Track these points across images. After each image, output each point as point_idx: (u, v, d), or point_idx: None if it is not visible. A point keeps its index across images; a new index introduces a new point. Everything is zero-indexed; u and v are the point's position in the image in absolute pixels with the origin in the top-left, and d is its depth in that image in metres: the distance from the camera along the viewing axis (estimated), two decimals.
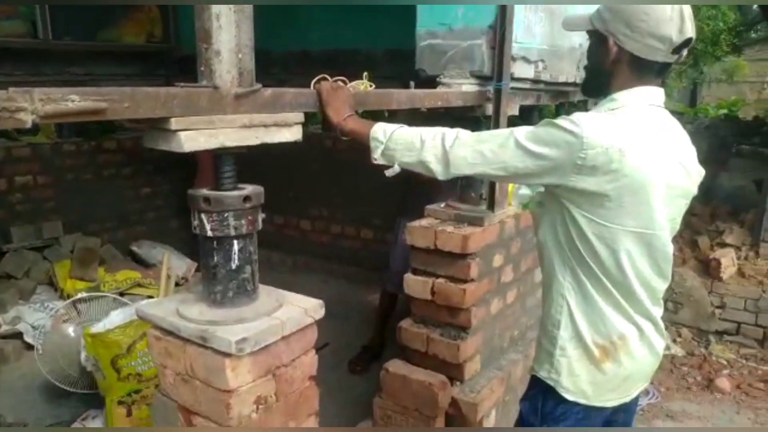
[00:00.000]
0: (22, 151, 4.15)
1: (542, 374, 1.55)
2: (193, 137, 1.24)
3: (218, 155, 1.39)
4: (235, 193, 1.39)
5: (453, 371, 2.34)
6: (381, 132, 1.52)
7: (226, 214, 1.36)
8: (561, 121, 1.36)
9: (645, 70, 1.42)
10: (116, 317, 2.57)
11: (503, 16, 2.17)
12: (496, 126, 2.26)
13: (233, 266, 1.40)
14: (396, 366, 2.41)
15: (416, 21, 2.37)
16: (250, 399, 1.34)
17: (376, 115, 1.82)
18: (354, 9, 4.32)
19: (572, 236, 1.44)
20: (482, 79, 2.30)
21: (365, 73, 1.81)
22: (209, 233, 1.37)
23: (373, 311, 4.08)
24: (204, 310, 1.40)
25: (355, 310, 4.06)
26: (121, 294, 3.83)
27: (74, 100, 1.02)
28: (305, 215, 5.13)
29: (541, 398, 1.56)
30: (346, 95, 1.60)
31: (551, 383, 1.53)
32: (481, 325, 2.44)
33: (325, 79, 1.65)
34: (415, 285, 2.41)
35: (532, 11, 2.43)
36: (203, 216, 1.36)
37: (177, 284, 4.30)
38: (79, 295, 3.13)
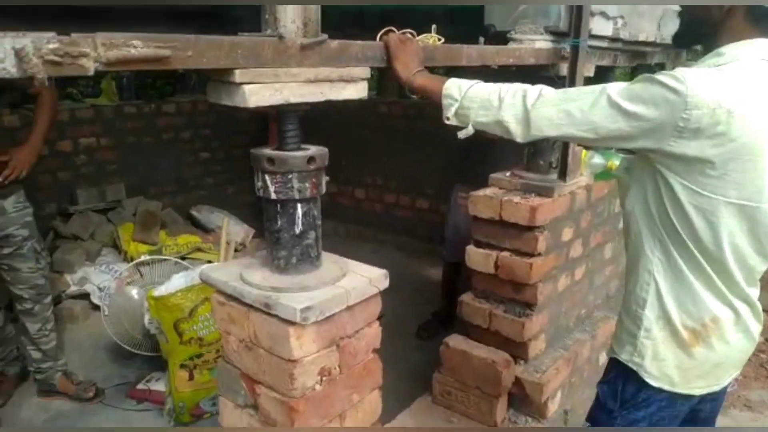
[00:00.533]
0: (85, 113, 4.22)
1: (624, 357, 1.43)
2: (258, 91, 1.16)
3: (281, 112, 1.31)
4: (300, 153, 1.31)
5: (516, 349, 2.24)
6: (455, 88, 1.39)
7: (290, 176, 1.29)
8: (662, 76, 1.20)
9: (763, 20, 1.24)
10: (178, 281, 2.59)
11: None
12: (572, 86, 2.10)
13: (297, 231, 1.33)
14: (456, 341, 2.32)
15: None
16: (314, 370, 1.28)
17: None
18: None
19: (665, 207, 1.29)
20: (557, 35, 2.13)
21: (434, 26, 1.68)
22: (273, 196, 1.30)
23: (425, 282, 4.01)
24: (267, 276, 1.34)
25: (407, 281, 3.98)
26: (182, 258, 3.89)
27: (137, 47, 0.96)
28: (359, 183, 5.07)
29: (621, 382, 1.44)
30: (415, 48, 1.49)
31: (633, 367, 1.41)
32: (547, 302, 2.31)
33: (392, 31, 1.54)
34: (477, 258, 2.30)
35: None
36: (267, 177, 1.29)
37: (235, 250, 4.35)
38: (142, 258, 3.18)
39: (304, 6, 1.25)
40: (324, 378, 1.31)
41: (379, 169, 4.92)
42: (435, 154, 4.31)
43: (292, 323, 1.23)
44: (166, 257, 3.40)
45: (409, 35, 1.51)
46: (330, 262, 1.44)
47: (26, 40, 0.84)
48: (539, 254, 2.17)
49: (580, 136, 1.29)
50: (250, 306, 1.31)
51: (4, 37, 0.82)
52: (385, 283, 1.42)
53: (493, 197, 2.21)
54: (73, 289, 3.72)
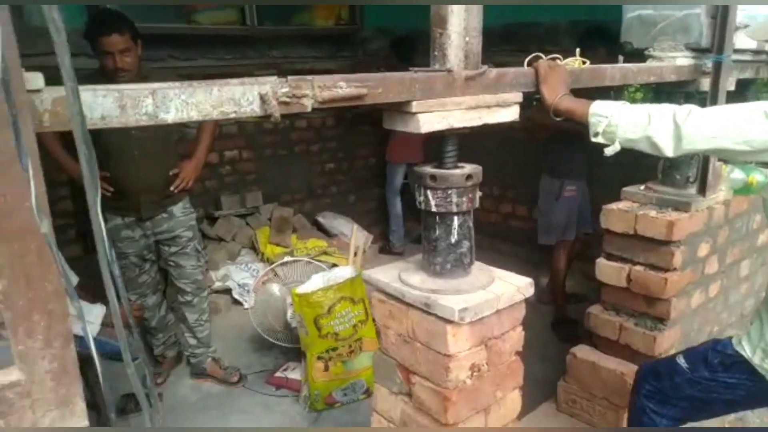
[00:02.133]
0: (230, 128, 4.68)
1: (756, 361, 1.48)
2: (429, 119, 1.34)
3: (443, 135, 1.48)
4: (458, 171, 1.47)
5: None
6: (603, 107, 1.48)
7: (449, 191, 1.45)
8: None
9: None
10: (317, 280, 2.85)
11: None
12: (714, 102, 2.10)
13: (453, 240, 1.49)
14: (584, 352, 2.38)
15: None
16: (466, 365, 1.43)
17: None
18: None
19: None
20: (698, 51, 2.13)
21: (578, 50, 1.78)
22: (433, 208, 1.47)
23: (544, 290, 4.04)
24: (425, 279, 1.51)
25: None
26: (308, 262, 4.22)
27: (342, 87, 1.16)
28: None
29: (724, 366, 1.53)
30: (562, 74, 1.60)
31: (762, 372, 1.46)
32: (680, 318, 2.30)
33: (539, 57, 1.66)
34: (609, 271, 2.34)
35: None
36: (429, 192, 1.47)
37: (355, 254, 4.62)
38: (285, 259, 3.51)
39: (465, 41, 1.41)
40: (474, 373, 1.46)
41: (496, 180, 4.99)
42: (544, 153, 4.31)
43: (449, 322, 1.39)
44: (299, 258, 3.72)
45: (556, 61, 1.63)
46: (478, 268, 1.59)
47: (267, 87, 1.07)
48: (675, 269, 2.18)
49: (733, 149, 1.33)
50: (410, 305, 1.49)
51: (253, 85, 1.05)
52: (530, 291, 1.55)
53: (628, 211, 2.25)
54: (217, 284, 4.15)
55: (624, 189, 2.43)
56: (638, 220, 2.22)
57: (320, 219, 5.09)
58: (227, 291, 4.15)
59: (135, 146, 2.68)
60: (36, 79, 0.81)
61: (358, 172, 5.49)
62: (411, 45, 4.68)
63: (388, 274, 1.59)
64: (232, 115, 1.03)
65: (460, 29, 1.39)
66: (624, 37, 2.24)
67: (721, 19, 1.98)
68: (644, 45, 2.19)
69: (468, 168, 1.50)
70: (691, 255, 2.26)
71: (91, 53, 2.74)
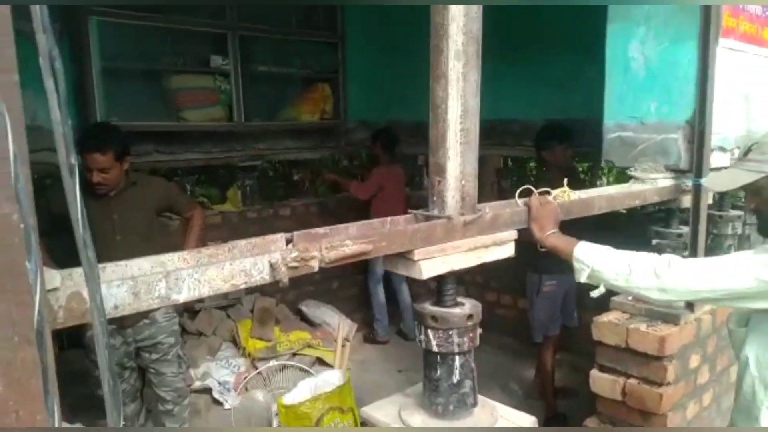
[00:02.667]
0: (214, 218, 4.67)
1: None
2: (430, 265, 1.36)
3: (443, 276, 1.49)
4: (459, 311, 1.47)
5: None
6: (584, 254, 1.53)
7: (450, 332, 1.45)
8: None
9: None
10: (305, 388, 2.78)
11: (702, 111, 2.11)
12: (696, 220, 2.17)
13: (455, 380, 1.48)
14: None
15: (603, 114, 2.38)
16: None
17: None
18: (511, 81, 4.44)
19: None
20: (677, 172, 2.23)
21: (565, 179, 1.85)
22: (435, 348, 1.46)
23: (532, 385, 3.99)
24: (426, 420, 1.48)
25: (516, 381, 4.00)
26: (294, 354, 4.13)
27: (348, 245, 1.18)
28: (460, 281, 5.16)
29: None
30: (553, 211, 1.65)
31: None
32: None
33: (530, 190, 1.71)
34: (603, 383, 2.32)
35: (729, 99, 2.33)
36: (430, 332, 1.46)
37: (342, 345, 4.54)
38: (268, 365, 3.42)
39: (462, 184, 1.45)
40: None
41: (478, 269, 5.02)
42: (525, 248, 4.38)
43: None
44: (285, 361, 3.64)
45: (546, 197, 1.68)
46: (481, 407, 1.56)
47: (277, 255, 1.07)
48: (669, 383, 2.17)
49: (716, 299, 1.40)
50: None
51: (263, 255, 1.06)
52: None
53: (619, 324, 2.27)
54: (196, 384, 4.00)
55: (613, 299, 2.45)
56: (630, 333, 2.23)
57: (303, 308, 5.01)
58: (207, 390, 3.99)
59: (118, 243, 2.63)
60: (53, 279, 0.80)
61: None
62: (393, 136, 4.83)
63: (387, 412, 1.56)
64: (242, 286, 1.03)
65: (456, 174, 1.44)
66: (606, 156, 2.34)
67: (698, 146, 2.09)
68: (625, 164, 2.28)
69: (468, 306, 1.50)
70: (683, 367, 2.27)
71: (54, 147, 2.77)
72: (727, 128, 2.34)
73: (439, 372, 1.48)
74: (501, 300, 4.99)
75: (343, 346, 3.70)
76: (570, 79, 4.09)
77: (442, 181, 1.42)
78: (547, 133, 3.52)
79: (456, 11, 1.38)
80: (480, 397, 1.57)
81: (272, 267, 1.06)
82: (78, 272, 0.87)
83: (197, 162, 4.59)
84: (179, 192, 3.35)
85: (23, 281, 0.69)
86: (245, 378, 3.44)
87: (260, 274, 1.05)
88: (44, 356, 0.71)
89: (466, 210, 1.46)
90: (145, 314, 2.83)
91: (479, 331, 1.52)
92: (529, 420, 1.52)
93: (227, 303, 4.58)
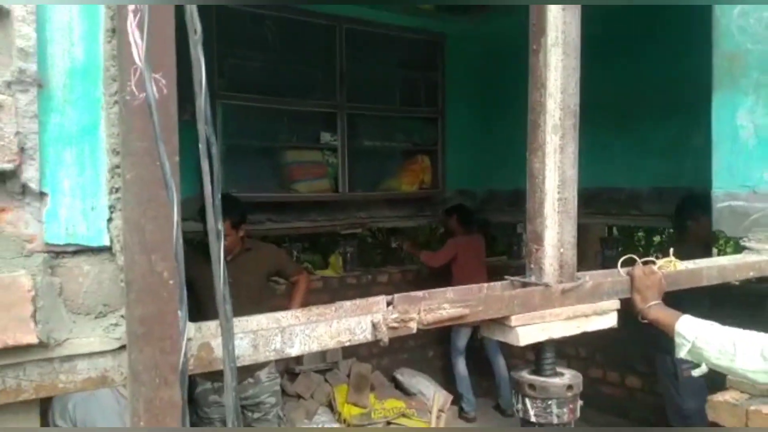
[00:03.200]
0: (316, 283, 4.87)
1: None
2: (528, 332, 1.37)
3: (542, 343, 1.49)
4: (559, 381, 1.45)
5: None
6: (687, 329, 1.46)
7: (549, 402, 1.43)
8: None
9: None
10: None
11: None
12: None
13: None
14: None
15: (712, 182, 2.30)
16: None
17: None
18: (617, 147, 4.38)
19: None
20: None
21: (671, 249, 1.79)
22: (533, 419, 1.44)
23: None
24: None
25: None
26: (388, 423, 4.11)
27: (446, 308, 1.23)
28: (561, 355, 4.94)
29: None
30: (657, 281, 1.60)
31: None
32: None
33: (633, 260, 1.68)
34: None
35: None
36: (527, 401, 1.45)
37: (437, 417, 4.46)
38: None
39: (560, 252, 1.47)
40: None
41: (582, 340, 4.80)
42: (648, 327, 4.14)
43: None
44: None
45: (651, 266, 1.64)
46: None
47: (379, 316, 1.15)
48: None
49: None
50: None
51: (366, 315, 1.14)
52: None
53: (737, 404, 2.09)
54: None
55: (729, 377, 2.27)
56: (749, 416, 2.04)
57: (398, 376, 5.00)
58: None
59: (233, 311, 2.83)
60: (189, 330, 0.92)
61: (438, 328, 5.46)
62: (467, 211, 4.90)
63: None
64: (347, 343, 1.11)
65: (554, 242, 1.46)
66: (716, 226, 2.24)
67: None
68: (737, 234, 2.17)
69: (568, 377, 1.48)
70: None
71: (197, 218, 3.10)
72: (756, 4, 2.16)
73: None
74: (607, 377, 4.70)
75: (438, 417, 3.64)
76: (677, 147, 3.97)
77: (540, 249, 1.45)
78: (693, 203, 3.37)
79: (554, 88, 1.45)
80: None
81: (374, 326, 1.13)
82: (206, 326, 1.00)
83: (304, 230, 4.86)
84: (288, 258, 3.58)
85: (166, 330, 0.81)
86: None
87: (363, 333, 1.13)
88: (183, 396, 0.81)
89: (565, 278, 1.47)
90: (251, 373, 2.99)
91: (580, 403, 1.48)
92: None
93: (325, 367, 4.69)
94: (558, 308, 1.43)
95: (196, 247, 3.08)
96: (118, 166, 0.82)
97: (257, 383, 3.01)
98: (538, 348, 1.51)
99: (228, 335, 0.77)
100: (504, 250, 5.81)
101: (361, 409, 4.26)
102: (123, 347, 0.83)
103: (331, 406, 4.46)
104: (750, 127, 2.23)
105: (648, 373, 4.40)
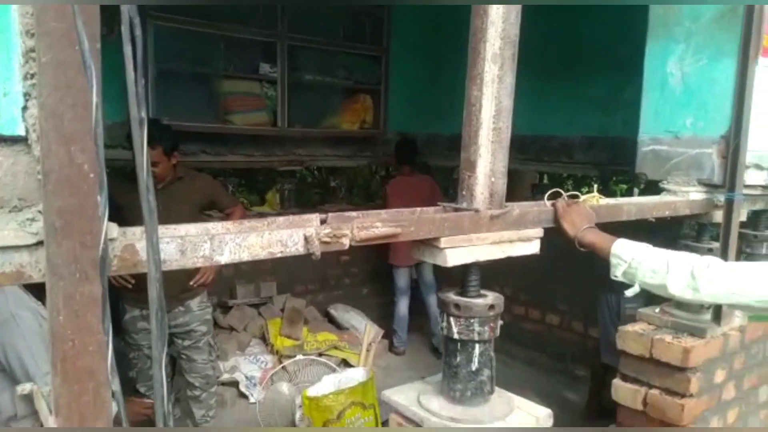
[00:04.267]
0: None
1: None
2: (455, 254, 1.42)
3: (468, 266, 1.55)
4: (481, 301, 1.53)
5: None
6: (623, 250, 1.54)
7: (472, 320, 1.50)
8: None
9: None
10: (329, 383, 2.85)
11: (738, 126, 2.12)
12: (726, 235, 2.17)
13: (473, 368, 1.53)
14: None
15: (638, 127, 2.41)
16: None
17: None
18: (553, 97, 4.48)
19: None
20: (710, 186, 2.24)
21: (595, 186, 1.88)
22: (455, 336, 1.51)
23: (561, 403, 3.96)
24: (444, 405, 1.53)
25: (543, 395, 3.97)
26: (320, 354, 4.21)
27: (378, 227, 1.25)
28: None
29: None
30: (582, 209, 1.68)
31: None
32: None
33: (559, 194, 1.76)
34: (624, 392, 2.32)
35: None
36: (452, 320, 1.52)
37: (367, 350, 4.60)
38: (294, 359, 3.51)
39: (491, 181, 1.51)
40: None
41: (508, 279, 5.03)
42: (568, 269, 4.36)
43: None
44: (312, 357, 3.72)
45: (574, 200, 1.72)
46: (497, 396, 1.60)
47: (311, 229, 1.15)
48: (691, 395, 2.16)
49: (753, 306, 1.38)
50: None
51: (299, 228, 1.14)
52: (549, 422, 1.55)
53: (644, 334, 2.27)
54: (225, 376, 4.12)
55: (640, 310, 2.46)
56: (654, 344, 2.23)
57: (332, 311, 5.10)
58: (234, 383, 4.11)
59: None
60: (112, 230, 0.89)
61: (371, 265, 5.56)
62: (412, 147, 4.92)
63: (407, 396, 1.61)
64: (278, 255, 1.12)
65: (486, 171, 1.50)
66: (639, 168, 2.36)
67: (732, 160, 2.10)
68: (658, 177, 2.30)
69: (491, 298, 1.56)
70: (707, 381, 2.25)
71: (125, 145, 2.98)
72: (765, 145, 2.34)
73: (458, 359, 1.53)
74: (529, 314, 4.97)
75: (368, 349, 3.76)
76: (610, 100, 4.11)
77: (472, 176, 1.48)
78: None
79: (495, 15, 1.45)
80: (498, 389, 1.61)
81: (306, 240, 1.14)
82: (132, 231, 0.97)
83: (240, 164, 4.75)
84: (223, 189, 3.50)
85: (86, 224, 0.79)
86: (272, 371, 3.53)
87: (295, 246, 1.13)
88: (104, 291, 0.80)
89: (494, 206, 1.52)
90: (182, 302, 2.97)
91: (500, 323, 1.57)
92: (544, 412, 1.55)
93: (259, 301, 4.72)
94: (485, 233, 1.48)
95: (126, 176, 2.96)
96: (32, 50, 0.76)
97: (188, 311, 3.00)
98: (464, 271, 1.57)
99: (151, 228, 0.75)
100: (442, 194, 5.92)
101: (294, 342, 4.33)
102: (40, 243, 0.80)
103: (264, 339, 4.51)
104: (678, 75, 2.33)
105: (566, 312, 4.69)
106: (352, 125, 5.03)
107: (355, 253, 5.47)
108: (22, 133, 0.79)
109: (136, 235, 0.94)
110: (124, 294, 2.86)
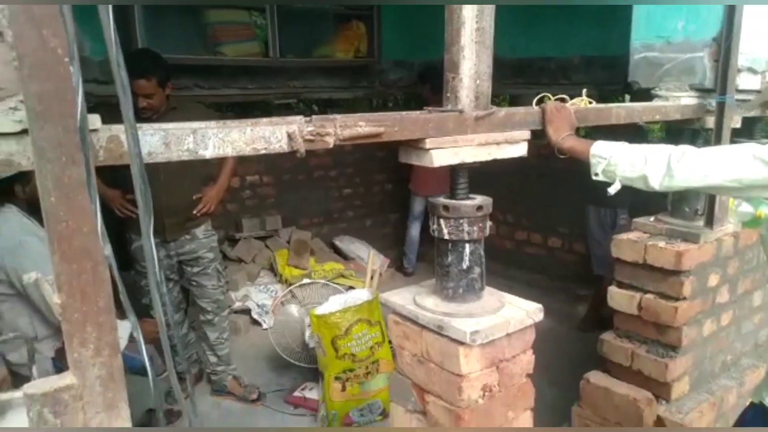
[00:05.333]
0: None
1: None
2: (441, 155, 1.44)
3: (455, 169, 1.58)
4: (470, 202, 1.56)
5: (658, 389, 2.30)
6: (602, 149, 1.56)
7: (461, 221, 1.54)
8: None
9: None
10: (335, 302, 2.94)
11: (730, 28, 2.08)
12: (718, 140, 2.17)
13: (464, 266, 1.58)
14: (597, 378, 2.42)
15: (630, 34, 2.36)
16: (478, 385, 1.51)
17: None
18: (546, 17, 4.36)
19: None
20: (702, 91, 2.22)
21: (584, 90, 1.88)
22: (446, 236, 1.56)
23: (562, 319, 4.07)
24: (438, 303, 1.60)
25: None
26: (324, 284, 4.32)
27: (362, 126, 1.27)
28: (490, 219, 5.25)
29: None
30: (567, 115, 1.69)
31: None
32: (692, 346, 2.35)
33: (547, 98, 1.76)
34: (620, 299, 2.40)
35: (762, 21, 2.28)
36: (442, 221, 1.56)
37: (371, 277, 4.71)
38: (301, 282, 3.61)
39: (476, 83, 1.51)
40: (486, 394, 1.53)
41: (510, 207, 5.07)
42: (568, 193, 4.40)
43: (461, 343, 1.46)
44: (316, 281, 3.83)
45: (562, 103, 1.72)
46: (489, 293, 1.67)
47: (294, 126, 1.17)
48: (684, 298, 2.23)
49: (724, 186, 1.41)
50: (424, 327, 1.57)
51: (282, 124, 1.16)
52: (539, 316, 1.62)
53: (638, 241, 2.32)
54: (237, 305, 4.26)
55: (635, 220, 2.50)
56: (648, 250, 2.28)
57: (337, 243, 5.19)
58: (246, 311, 4.25)
59: (161, 171, 2.80)
60: (95, 121, 0.92)
61: (374, 197, 5.61)
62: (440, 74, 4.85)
63: (403, 297, 1.68)
64: (263, 151, 1.14)
65: (471, 73, 1.50)
66: (631, 77, 2.34)
67: (723, 62, 2.07)
68: (650, 85, 2.28)
69: (479, 199, 1.59)
70: (701, 285, 2.31)
71: (101, 79, 3.00)
72: (758, 49, 2.30)
73: (449, 258, 1.58)
74: (531, 239, 5.04)
75: (372, 276, 3.85)
76: (605, 16, 3.99)
77: (456, 77, 1.48)
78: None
79: None
80: (488, 287, 1.67)
81: (290, 137, 1.17)
82: (116, 126, 0.99)
83: (235, 98, 4.71)
84: (218, 118, 3.49)
85: (67, 108, 0.81)
86: (282, 296, 3.64)
87: (279, 143, 1.16)
88: (90, 179, 0.83)
89: (480, 108, 1.53)
90: (187, 231, 3.04)
91: (489, 224, 1.61)
92: (534, 306, 1.61)
93: (265, 234, 4.80)
94: (471, 134, 1.50)
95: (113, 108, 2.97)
96: None
97: (194, 239, 3.07)
98: (452, 174, 1.60)
99: (134, 139, 0.78)
100: None
101: (302, 271, 4.43)
102: (25, 131, 0.83)
103: (272, 269, 4.62)
104: None
105: (567, 234, 4.75)
106: (346, 54, 4.93)
107: (357, 186, 5.52)
108: None
109: (120, 128, 0.96)
110: (130, 224, 2.93)
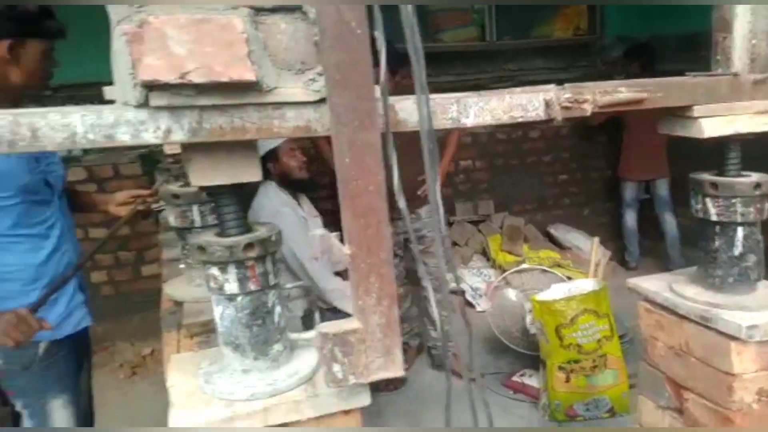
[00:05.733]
0: (465, 139, 4.87)
1: None
2: (712, 124, 1.27)
3: (725, 141, 1.38)
4: (745, 180, 1.35)
5: None
6: None
7: (733, 200, 1.35)
8: None
9: None
10: (558, 290, 2.83)
11: None
12: None
13: (736, 253, 1.38)
14: None
15: None
16: (753, 388, 1.31)
17: None
18: None
19: None
20: None
21: None
22: (713, 218, 1.38)
23: None
24: (700, 292, 1.42)
25: None
26: (543, 271, 4.18)
27: (622, 91, 1.18)
28: None
29: None
30: None
31: None
32: None
33: None
34: None
35: None
36: (708, 200, 1.38)
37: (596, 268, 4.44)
38: (519, 268, 3.55)
39: (752, 44, 1.31)
40: (762, 398, 1.32)
41: None
42: None
43: (734, 338, 1.28)
44: (536, 267, 3.73)
45: None
46: (764, 286, 1.43)
47: (551, 93, 1.13)
48: None
49: None
50: (684, 317, 1.41)
51: (538, 93, 1.13)
52: None
53: None
54: (451, 286, 4.34)
55: None
56: None
57: (552, 231, 5.01)
58: (460, 292, 4.32)
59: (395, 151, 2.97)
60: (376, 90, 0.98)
61: (592, 184, 5.29)
62: (652, 53, 4.41)
63: (655, 283, 1.53)
64: (519, 119, 1.12)
65: (745, 32, 1.30)
66: None
67: None
68: None
69: (755, 176, 1.37)
70: None
71: None
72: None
73: (717, 243, 1.39)
74: None
75: (598, 264, 3.61)
76: None
77: (728, 38, 1.30)
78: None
79: None
80: (766, 281, 1.44)
81: (547, 104, 1.12)
82: (394, 98, 1.04)
83: (449, 85, 4.80)
84: None
85: (360, 78, 0.88)
86: (496, 281, 3.63)
87: (536, 110, 1.13)
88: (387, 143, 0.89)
89: (756, 72, 1.31)
90: (413, 210, 3.20)
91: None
92: None
93: (477, 218, 4.83)
94: (747, 101, 1.30)
95: None
96: None
97: (419, 219, 3.23)
98: (722, 148, 1.40)
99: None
100: None
101: (516, 257, 4.37)
102: (322, 101, 0.92)
103: (485, 254, 4.63)
104: None
105: None
106: (564, 32, 4.71)
107: (573, 172, 5.24)
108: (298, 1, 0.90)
109: (397, 98, 1.02)
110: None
